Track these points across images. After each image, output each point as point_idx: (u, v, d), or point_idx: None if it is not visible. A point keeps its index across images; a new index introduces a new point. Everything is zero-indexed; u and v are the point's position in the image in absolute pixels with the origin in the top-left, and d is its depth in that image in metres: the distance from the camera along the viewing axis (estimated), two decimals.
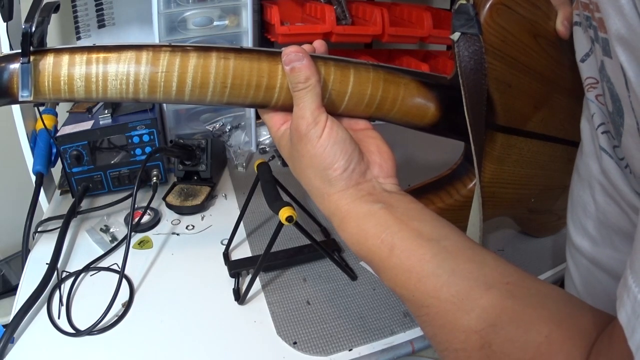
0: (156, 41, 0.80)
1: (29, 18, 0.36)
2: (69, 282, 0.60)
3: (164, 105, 0.86)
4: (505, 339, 0.26)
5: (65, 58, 0.37)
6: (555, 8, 0.46)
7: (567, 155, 0.52)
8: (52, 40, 0.97)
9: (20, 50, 0.36)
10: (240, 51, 0.39)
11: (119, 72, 0.37)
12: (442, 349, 0.30)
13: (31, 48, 0.36)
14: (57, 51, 0.37)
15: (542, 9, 0.45)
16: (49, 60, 0.37)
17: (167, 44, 0.38)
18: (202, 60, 0.38)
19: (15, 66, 0.36)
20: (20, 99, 0.36)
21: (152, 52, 0.37)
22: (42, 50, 0.37)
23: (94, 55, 0.37)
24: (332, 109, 0.41)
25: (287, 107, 0.40)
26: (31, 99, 0.37)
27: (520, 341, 0.26)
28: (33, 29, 0.35)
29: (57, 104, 0.84)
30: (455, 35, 0.43)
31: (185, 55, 0.37)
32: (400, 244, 0.32)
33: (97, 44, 0.38)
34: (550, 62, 0.47)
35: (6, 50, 0.66)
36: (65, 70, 0.37)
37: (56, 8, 0.40)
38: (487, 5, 0.43)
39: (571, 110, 0.50)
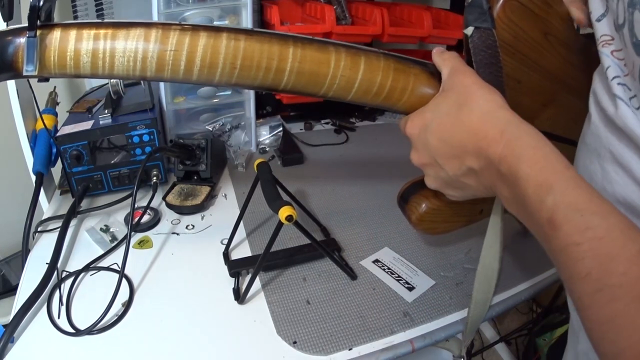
0: None
1: None
2: (69, 281, 0.60)
3: (164, 105, 0.86)
4: None
5: (72, 33, 0.36)
6: (567, 6, 0.45)
7: (573, 156, 0.52)
8: None
9: (27, 25, 0.35)
10: (251, 33, 0.39)
11: (127, 49, 0.37)
12: (594, 291, 0.27)
13: (38, 22, 0.35)
14: (65, 26, 0.37)
15: (554, 8, 0.45)
16: (55, 35, 0.36)
17: (177, 22, 0.38)
18: (212, 40, 0.37)
19: (21, 40, 0.36)
20: (25, 73, 0.36)
21: (161, 29, 0.37)
22: (49, 24, 0.37)
23: (102, 31, 0.36)
24: (341, 95, 0.41)
25: (295, 91, 0.40)
26: (35, 73, 0.36)
27: None
28: (41, 2, 0.35)
29: (58, 104, 0.84)
30: (469, 30, 0.43)
31: (195, 35, 0.37)
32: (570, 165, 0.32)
33: (105, 20, 0.38)
34: (560, 61, 0.47)
35: None
36: (72, 45, 0.36)
37: None
38: (501, 0, 0.42)
39: (579, 111, 0.49)
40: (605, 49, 0.37)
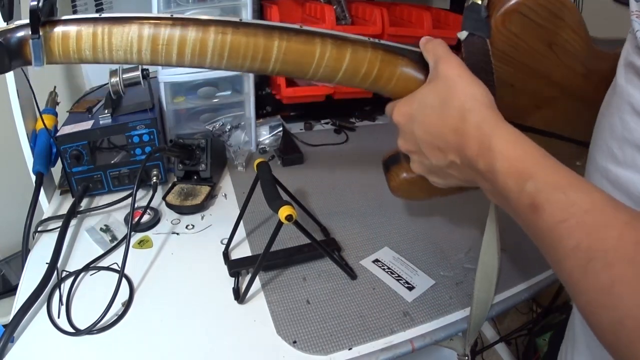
0: None
1: None
2: (68, 281, 0.60)
3: (164, 104, 0.86)
4: None
5: (73, 30, 0.40)
6: None
7: (570, 151, 0.51)
8: None
9: (28, 21, 0.38)
10: (238, 25, 0.41)
11: (123, 44, 0.40)
12: (586, 261, 0.27)
13: (40, 20, 0.38)
14: (65, 22, 0.40)
15: (566, 20, 0.43)
16: (57, 32, 0.40)
17: (169, 15, 0.41)
18: (200, 34, 0.40)
19: (24, 34, 0.39)
20: (35, 67, 0.40)
21: (153, 26, 0.40)
22: (51, 21, 0.39)
23: (99, 28, 0.40)
24: (327, 80, 0.43)
25: (283, 75, 0.43)
26: (44, 65, 0.40)
27: None
28: (40, 4, 0.37)
29: (58, 104, 0.85)
30: (462, 35, 0.42)
31: (185, 29, 0.40)
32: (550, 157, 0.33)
33: (103, 15, 0.41)
34: (563, 69, 0.46)
35: None
36: (74, 41, 0.40)
37: None
38: (501, 11, 0.41)
39: (579, 113, 0.49)
40: (638, 19, 0.38)
